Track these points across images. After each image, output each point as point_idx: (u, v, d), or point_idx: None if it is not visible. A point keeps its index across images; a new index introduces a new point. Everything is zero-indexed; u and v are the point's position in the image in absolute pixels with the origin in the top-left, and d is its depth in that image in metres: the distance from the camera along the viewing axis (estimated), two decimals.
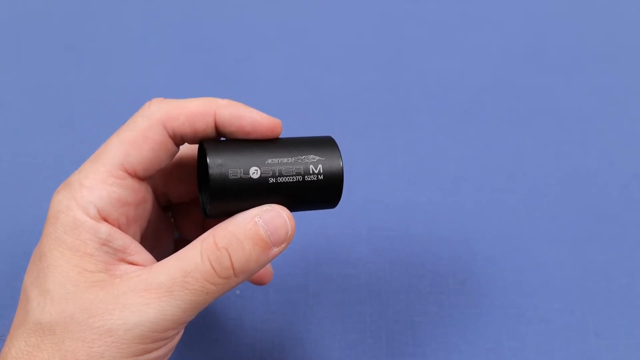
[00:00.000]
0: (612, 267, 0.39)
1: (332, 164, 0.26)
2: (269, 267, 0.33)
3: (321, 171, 0.26)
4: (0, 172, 0.44)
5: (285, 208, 0.25)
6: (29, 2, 0.53)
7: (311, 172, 0.26)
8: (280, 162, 0.26)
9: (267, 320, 0.37)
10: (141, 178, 0.26)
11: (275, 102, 0.46)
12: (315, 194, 0.26)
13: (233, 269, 0.24)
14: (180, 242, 0.34)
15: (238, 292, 0.38)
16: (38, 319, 0.23)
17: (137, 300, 0.23)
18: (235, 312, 0.37)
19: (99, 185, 0.25)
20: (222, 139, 0.27)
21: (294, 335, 0.37)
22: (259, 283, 0.33)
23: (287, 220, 0.25)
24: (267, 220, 0.25)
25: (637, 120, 0.45)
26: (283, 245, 0.25)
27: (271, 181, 0.25)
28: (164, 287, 0.23)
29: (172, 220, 0.32)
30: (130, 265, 0.25)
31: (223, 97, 0.47)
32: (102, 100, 0.47)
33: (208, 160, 0.25)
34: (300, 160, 0.26)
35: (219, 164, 0.25)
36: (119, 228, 0.25)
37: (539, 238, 0.40)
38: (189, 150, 0.29)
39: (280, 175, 0.25)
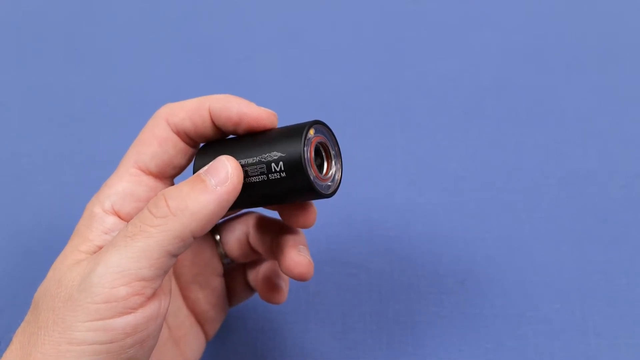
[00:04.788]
0: (612, 267, 0.39)
1: (292, 158, 0.25)
2: (285, 288, 0.32)
3: (282, 168, 0.25)
4: (0, 172, 0.44)
5: (230, 157, 0.26)
6: (29, 2, 0.53)
7: (273, 170, 0.25)
8: (246, 162, 0.26)
9: (267, 320, 0.37)
10: (156, 175, 0.28)
11: (276, 102, 0.46)
12: (286, 190, 0.26)
13: (168, 207, 0.24)
14: (228, 266, 0.33)
15: None
16: (34, 297, 0.25)
17: (89, 262, 0.24)
18: (236, 311, 0.37)
19: (116, 182, 0.27)
20: (232, 136, 0.28)
21: (294, 335, 0.37)
22: (275, 302, 0.32)
23: (227, 161, 0.25)
24: (208, 167, 0.25)
25: (637, 120, 0.45)
26: (227, 184, 0.25)
27: (246, 181, 0.26)
28: (110, 243, 0.24)
29: (219, 238, 0.32)
30: None
31: None
32: (102, 100, 0.47)
33: (193, 164, 0.27)
34: (263, 159, 0.25)
35: (199, 167, 0.27)
36: None
37: (539, 238, 0.40)
38: None
39: (247, 175, 0.26)
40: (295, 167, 0.25)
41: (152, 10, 0.52)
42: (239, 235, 0.31)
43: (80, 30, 0.51)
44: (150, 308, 0.24)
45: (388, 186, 0.42)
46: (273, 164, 0.25)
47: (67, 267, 0.25)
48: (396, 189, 0.42)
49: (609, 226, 0.40)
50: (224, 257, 0.32)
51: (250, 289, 0.33)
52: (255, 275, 0.32)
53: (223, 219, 0.33)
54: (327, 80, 0.48)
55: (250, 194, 0.26)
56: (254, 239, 0.31)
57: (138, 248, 0.23)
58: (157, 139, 0.27)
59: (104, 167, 0.43)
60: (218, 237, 0.32)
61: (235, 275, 0.33)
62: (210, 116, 0.27)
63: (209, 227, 0.25)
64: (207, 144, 0.28)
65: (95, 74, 0.49)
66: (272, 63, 0.49)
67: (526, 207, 0.41)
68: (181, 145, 0.28)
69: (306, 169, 0.25)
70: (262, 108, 0.27)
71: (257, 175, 0.26)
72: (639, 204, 0.41)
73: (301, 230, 0.29)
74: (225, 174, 0.25)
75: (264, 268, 0.32)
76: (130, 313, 0.23)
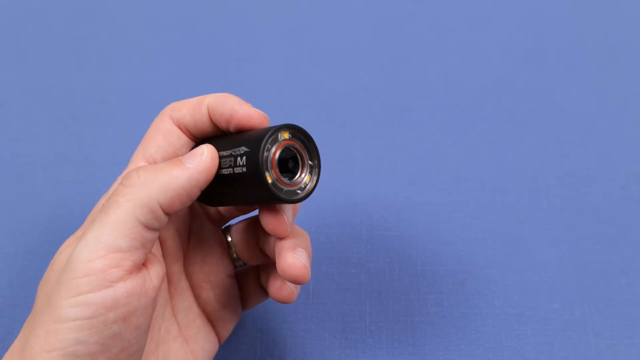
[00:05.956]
0: (612, 267, 0.39)
1: (252, 153, 0.25)
2: (294, 287, 0.31)
3: (244, 163, 0.25)
4: (0, 172, 0.44)
5: (209, 144, 0.27)
6: (29, 2, 0.53)
7: (238, 164, 0.26)
8: (222, 154, 0.27)
9: (267, 320, 0.37)
10: None
11: (276, 102, 0.46)
12: (245, 186, 0.26)
13: (138, 177, 0.25)
14: (241, 268, 0.33)
15: None
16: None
17: (75, 243, 0.25)
18: None
19: None
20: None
21: (294, 335, 0.37)
22: (284, 301, 0.32)
23: (204, 147, 0.26)
24: (189, 152, 0.27)
25: (637, 120, 0.45)
26: (200, 163, 0.26)
27: (219, 172, 0.26)
28: (91, 221, 0.25)
29: (230, 239, 0.32)
30: None
31: None
32: (102, 100, 0.47)
33: None
34: (233, 153, 0.26)
35: None
36: None
37: (539, 238, 0.40)
38: None
39: (220, 167, 0.27)
40: (253, 162, 0.25)
41: (152, 10, 0.52)
42: (249, 237, 0.32)
43: (80, 30, 0.51)
44: (132, 283, 0.24)
45: (388, 186, 0.42)
46: (239, 158, 0.26)
47: (59, 252, 0.25)
48: (396, 189, 0.42)
49: (608, 226, 0.40)
50: (236, 259, 0.32)
51: (264, 292, 0.33)
52: (267, 277, 0.32)
53: (234, 221, 0.33)
54: (327, 80, 0.48)
55: (221, 186, 0.27)
56: (262, 242, 0.31)
57: (111, 219, 0.24)
58: (161, 132, 0.28)
59: (104, 167, 0.43)
60: (230, 239, 0.32)
61: (248, 277, 0.33)
62: (208, 112, 0.28)
63: (179, 204, 0.25)
64: (202, 139, 0.29)
65: (95, 74, 0.49)
66: (272, 63, 0.49)
67: (526, 207, 0.41)
68: (184, 138, 0.29)
69: (261, 166, 0.24)
70: (254, 109, 0.27)
71: (227, 167, 0.26)
72: (639, 204, 0.41)
73: (305, 234, 0.29)
74: (200, 155, 0.26)
75: (274, 267, 0.32)
76: (109, 287, 0.23)
